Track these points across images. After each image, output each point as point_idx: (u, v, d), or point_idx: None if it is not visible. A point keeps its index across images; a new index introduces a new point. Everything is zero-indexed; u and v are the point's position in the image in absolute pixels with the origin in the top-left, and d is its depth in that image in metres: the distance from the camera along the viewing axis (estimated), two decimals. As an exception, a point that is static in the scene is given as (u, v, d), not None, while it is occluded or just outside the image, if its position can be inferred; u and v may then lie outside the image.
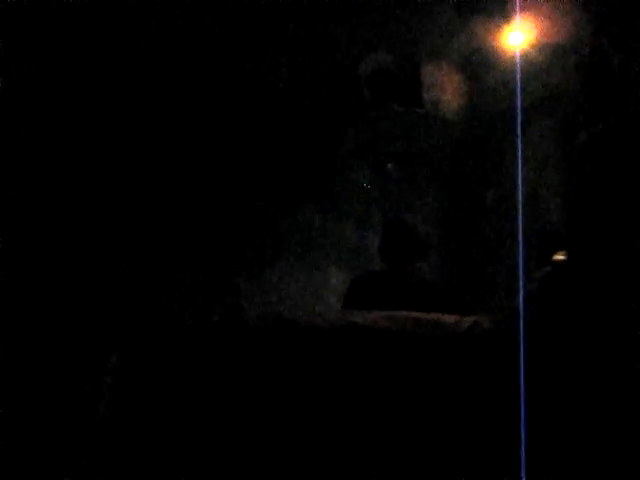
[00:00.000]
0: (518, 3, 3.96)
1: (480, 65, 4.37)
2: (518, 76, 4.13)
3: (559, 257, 2.26)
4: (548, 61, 4.00)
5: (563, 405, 1.77)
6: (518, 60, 4.08)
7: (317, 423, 1.77)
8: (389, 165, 4.65)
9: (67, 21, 3.61)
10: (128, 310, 3.10)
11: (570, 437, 1.74)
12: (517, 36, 4.01)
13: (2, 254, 3.08)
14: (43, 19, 3.56)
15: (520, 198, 4.00)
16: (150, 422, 1.85)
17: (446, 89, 4.35)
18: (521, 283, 2.19)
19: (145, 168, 3.98)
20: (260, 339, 1.87)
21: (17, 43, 3.46)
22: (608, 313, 1.90)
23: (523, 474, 1.71)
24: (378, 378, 1.85)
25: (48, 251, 3.31)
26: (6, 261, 3.11)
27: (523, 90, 4.19)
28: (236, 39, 4.05)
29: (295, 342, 1.86)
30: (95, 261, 3.39)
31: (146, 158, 3.97)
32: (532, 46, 3.97)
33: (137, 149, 3.92)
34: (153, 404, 1.87)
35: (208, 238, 4.11)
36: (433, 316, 1.98)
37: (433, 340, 1.92)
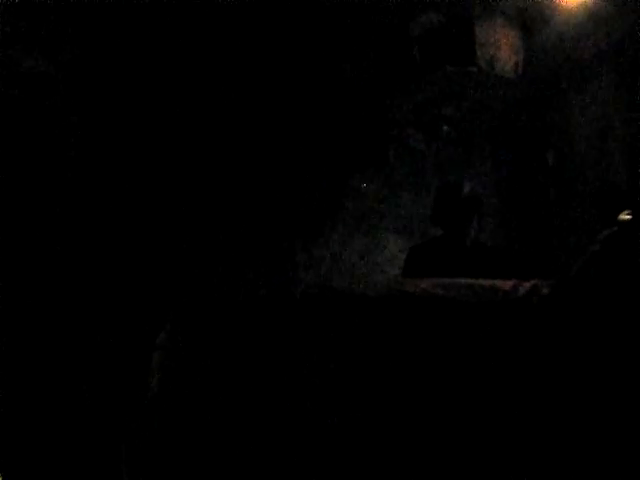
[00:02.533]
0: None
1: (536, 19, 4.18)
2: (577, 28, 3.94)
3: (624, 217, 2.13)
4: (610, 11, 3.79)
5: (622, 378, 1.67)
6: (576, 11, 3.89)
7: (367, 395, 1.71)
8: (444, 128, 4.53)
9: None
10: (178, 286, 3.10)
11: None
12: (575, -14, 3.82)
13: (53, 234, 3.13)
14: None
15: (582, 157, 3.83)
16: (200, 398, 1.83)
17: (501, 46, 4.18)
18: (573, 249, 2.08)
19: (201, 148, 3.96)
20: (307, 312, 1.82)
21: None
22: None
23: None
24: (431, 347, 1.78)
25: (104, 230, 3.34)
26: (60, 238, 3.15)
27: (583, 43, 4.00)
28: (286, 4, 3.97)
29: (344, 314, 1.81)
30: (148, 238, 3.40)
31: (201, 140, 3.95)
32: (591, -4, 3.78)
33: (189, 135, 3.91)
34: (203, 380, 1.85)
35: (263, 211, 4.07)
36: (488, 282, 1.89)
37: (488, 306, 1.84)
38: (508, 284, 1.86)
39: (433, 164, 4.56)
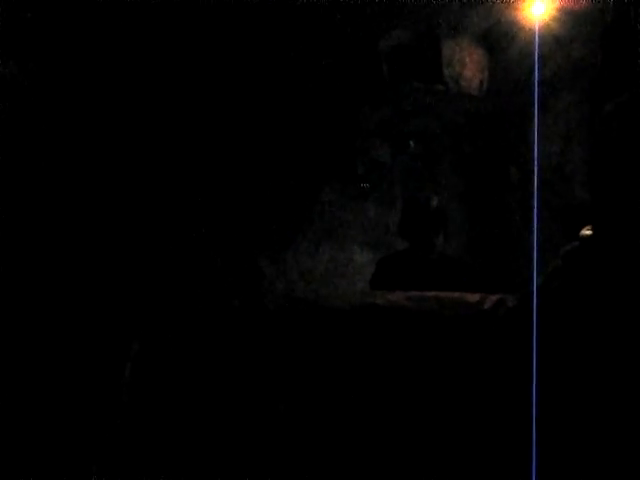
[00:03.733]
0: (538, -27, 3.88)
1: (500, 38, 4.29)
2: (538, 49, 4.05)
3: (586, 232, 2.21)
4: (570, 32, 3.91)
5: (587, 385, 1.74)
6: (539, 32, 4.00)
7: (336, 404, 1.76)
8: (410, 142, 4.61)
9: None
10: (149, 298, 3.10)
11: (593, 416, 1.71)
12: (538, 7, 3.93)
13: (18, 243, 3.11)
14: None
15: (537, 172, 3.94)
16: (171, 407, 1.86)
17: (466, 64, 4.29)
18: (535, 264, 2.15)
19: (166, 152, 3.98)
20: (280, 323, 1.86)
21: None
22: (636, 288, 1.85)
23: (533, 450, 1.70)
24: (400, 358, 1.84)
25: (67, 239, 3.33)
26: (23, 248, 3.13)
27: (546, 62, 4.12)
28: (254, 19, 4.01)
29: (315, 325, 1.85)
30: (116, 250, 3.40)
31: (165, 142, 3.96)
32: (553, 17, 3.89)
33: (154, 136, 3.91)
34: (174, 389, 1.87)
35: (230, 223, 4.10)
36: (456, 295, 1.96)
37: (456, 319, 1.90)
38: (475, 297, 1.93)
39: (399, 177, 4.64)
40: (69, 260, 3.16)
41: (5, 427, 2.45)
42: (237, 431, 1.76)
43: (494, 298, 2.00)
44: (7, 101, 3.40)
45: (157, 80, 3.89)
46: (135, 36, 3.76)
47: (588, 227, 2.19)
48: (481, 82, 4.35)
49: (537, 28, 3.91)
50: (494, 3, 4.10)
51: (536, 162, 3.50)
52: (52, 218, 3.37)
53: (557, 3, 3.95)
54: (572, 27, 3.88)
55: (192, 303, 2.00)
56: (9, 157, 3.32)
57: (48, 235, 3.28)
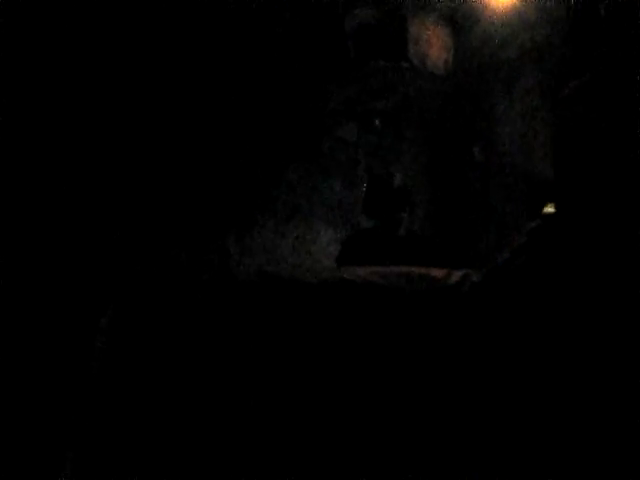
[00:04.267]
0: (504, -47, 3.90)
1: (467, 18, 4.32)
2: (504, 29, 4.09)
3: (548, 210, 2.26)
4: (535, 12, 3.96)
5: (551, 362, 1.79)
6: (504, 12, 4.04)
7: (307, 380, 1.78)
8: (376, 121, 4.62)
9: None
10: (118, 271, 3.10)
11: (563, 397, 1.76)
12: (504, -13, 3.96)
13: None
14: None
15: (501, 151, 3.99)
16: (143, 382, 1.86)
17: (432, 43, 4.31)
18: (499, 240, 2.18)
19: (135, 132, 3.94)
20: (250, 296, 1.87)
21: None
22: (599, 264, 1.90)
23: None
24: (368, 334, 1.86)
25: (42, 212, 3.31)
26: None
27: (510, 43, 4.16)
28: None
29: (285, 298, 1.87)
30: (86, 221, 3.38)
31: (134, 125, 3.93)
32: (519, -3, 3.93)
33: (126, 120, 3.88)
34: (145, 364, 1.87)
35: (195, 200, 4.08)
36: (422, 270, 1.98)
37: (423, 294, 1.93)
38: (441, 272, 1.95)
39: (364, 155, 4.66)
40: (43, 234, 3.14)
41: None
42: (211, 407, 1.77)
43: (459, 273, 2.03)
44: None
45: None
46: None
47: (551, 204, 2.23)
48: (446, 61, 4.37)
49: (503, 9, 3.95)
50: (460, -18, 4.13)
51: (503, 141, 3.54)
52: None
53: (522, -17, 3.99)
54: (536, 8, 3.93)
55: (161, 276, 2.00)
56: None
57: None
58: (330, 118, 4.56)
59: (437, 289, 1.92)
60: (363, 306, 1.77)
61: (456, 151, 4.67)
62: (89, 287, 2.77)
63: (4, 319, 2.66)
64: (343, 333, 1.74)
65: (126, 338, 1.86)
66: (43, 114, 3.55)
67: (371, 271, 1.97)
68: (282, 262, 4.26)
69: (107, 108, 3.78)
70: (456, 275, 2.01)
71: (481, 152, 4.60)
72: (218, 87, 4.19)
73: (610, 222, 1.86)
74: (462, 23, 4.35)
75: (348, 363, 1.72)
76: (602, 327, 1.78)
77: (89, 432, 1.86)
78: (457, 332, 1.88)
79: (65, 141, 3.60)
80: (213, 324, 1.78)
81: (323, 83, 4.46)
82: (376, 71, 4.26)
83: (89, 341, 1.87)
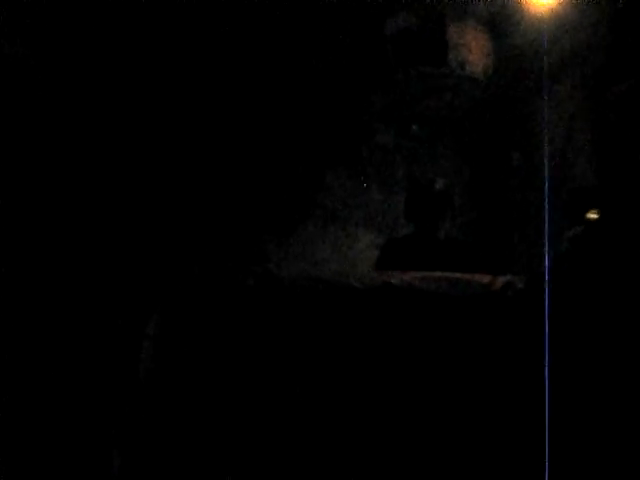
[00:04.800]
0: (545, -42, 3.88)
1: (506, 23, 4.30)
2: (544, 33, 4.07)
3: (592, 215, 2.25)
4: (577, 16, 3.92)
5: (597, 367, 1.78)
6: (545, 16, 4.01)
7: (354, 379, 1.80)
8: (414, 127, 4.62)
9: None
10: (164, 277, 3.14)
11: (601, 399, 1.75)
12: (544, -9, 3.94)
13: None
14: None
15: (547, 156, 3.97)
16: (189, 384, 1.90)
17: (472, 48, 4.30)
18: (544, 246, 2.19)
19: (171, 141, 3.99)
20: (296, 301, 1.89)
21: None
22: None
23: (546, 431, 1.73)
24: (414, 337, 1.88)
25: (87, 222, 3.36)
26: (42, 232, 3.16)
27: (551, 47, 4.13)
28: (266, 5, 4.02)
29: (331, 302, 1.89)
30: (134, 231, 3.43)
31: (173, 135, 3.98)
32: (560, 1, 3.90)
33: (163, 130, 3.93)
34: (192, 367, 1.91)
35: (237, 207, 4.12)
36: (467, 276, 2.00)
37: (467, 300, 1.94)
38: (485, 278, 1.97)
39: (403, 161, 4.66)
40: (86, 246, 3.19)
41: (17, 413, 2.49)
42: (256, 406, 1.80)
43: (503, 279, 2.04)
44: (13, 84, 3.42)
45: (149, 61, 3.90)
46: (134, 36, 3.77)
47: (594, 211, 2.22)
48: (486, 66, 4.36)
49: (543, 13, 3.92)
50: (500, -13, 4.11)
51: (545, 146, 3.52)
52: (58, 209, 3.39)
53: (563, -13, 3.95)
54: (578, 11, 3.89)
55: (208, 282, 2.03)
56: (11, 148, 3.34)
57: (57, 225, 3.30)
58: (369, 124, 4.57)
59: (482, 295, 1.93)
60: (410, 310, 1.79)
61: (495, 156, 4.65)
62: (137, 293, 2.81)
63: (57, 326, 2.72)
64: (391, 336, 1.76)
65: (173, 343, 1.90)
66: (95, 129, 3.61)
67: (415, 276, 1.99)
68: (321, 266, 4.28)
69: (159, 123, 3.83)
70: (500, 281, 2.02)
71: (520, 157, 4.57)
72: (264, 95, 4.23)
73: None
74: (501, 28, 4.34)
75: (398, 365, 1.74)
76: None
77: (136, 433, 1.90)
78: (501, 337, 1.88)
79: (118, 155, 3.65)
80: (262, 328, 1.80)
81: (363, 89, 4.47)
82: (415, 76, 4.27)
83: (137, 346, 1.91)
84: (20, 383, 2.57)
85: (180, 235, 3.64)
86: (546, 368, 1.80)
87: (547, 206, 2.66)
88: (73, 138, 3.56)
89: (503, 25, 4.34)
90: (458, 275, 2.01)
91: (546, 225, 2.43)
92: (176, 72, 3.99)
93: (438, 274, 1.99)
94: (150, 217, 3.58)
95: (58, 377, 2.55)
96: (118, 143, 3.67)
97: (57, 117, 3.57)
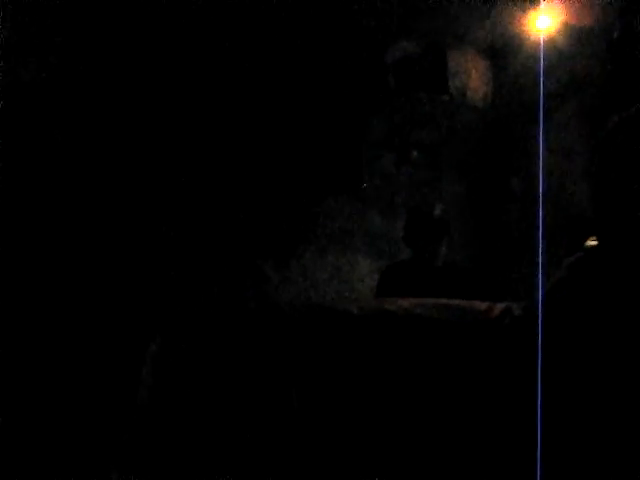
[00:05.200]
0: (543, -12, 3.94)
1: (506, 51, 4.36)
2: (542, 62, 4.11)
3: (590, 243, 2.25)
4: (575, 46, 3.98)
5: (592, 395, 1.79)
6: (543, 46, 4.06)
7: (350, 408, 1.80)
8: (414, 153, 4.66)
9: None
10: (164, 300, 3.15)
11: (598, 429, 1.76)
12: (543, 21, 3.99)
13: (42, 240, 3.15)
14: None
15: (541, 184, 4.00)
16: (190, 408, 1.90)
17: (472, 76, 4.35)
18: (540, 273, 2.20)
19: (172, 158, 4.02)
20: (297, 326, 1.90)
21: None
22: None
23: (538, 461, 1.74)
24: (412, 365, 1.88)
25: (87, 240, 3.38)
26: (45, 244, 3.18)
27: (549, 76, 4.18)
28: (263, 28, 4.07)
29: (330, 329, 1.90)
30: (133, 252, 3.45)
31: (165, 151, 4.01)
32: (558, 31, 3.95)
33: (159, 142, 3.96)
34: (193, 391, 1.92)
35: (237, 229, 4.14)
36: (465, 302, 2.00)
37: (465, 327, 1.94)
38: (483, 305, 1.97)
39: (403, 187, 4.69)
40: (84, 259, 3.20)
41: (18, 429, 2.49)
42: (257, 432, 1.80)
43: (501, 306, 2.04)
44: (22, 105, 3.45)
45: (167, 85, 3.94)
46: (136, 36, 3.80)
47: (592, 238, 2.23)
48: (485, 94, 4.41)
49: (542, 41, 3.98)
50: (500, 16, 4.16)
51: (540, 172, 3.55)
52: (63, 216, 3.41)
53: (561, 17, 4.01)
54: (575, 41, 3.95)
55: (207, 303, 2.04)
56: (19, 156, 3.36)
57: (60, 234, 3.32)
58: (369, 149, 4.61)
59: (479, 322, 1.93)
60: (407, 336, 1.80)
61: (494, 183, 4.69)
62: (137, 316, 2.83)
63: (58, 344, 2.73)
64: (388, 362, 1.77)
65: (174, 365, 1.90)
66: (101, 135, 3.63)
67: (412, 302, 1.99)
68: (320, 290, 4.29)
69: (164, 135, 3.86)
70: (498, 308, 2.02)
71: (519, 184, 4.61)
72: (264, 119, 4.26)
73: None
74: (501, 56, 4.39)
75: (394, 391, 1.75)
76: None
77: (136, 454, 1.90)
78: (499, 365, 1.89)
79: (118, 170, 3.68)
80: (260, 352, 1.81)
81: (363, 114, 4.52)
82: (416, 103, 4.32)
83: (137, 368, 1.91)
84: (20, 395, 2.58)
85: (180, 259, 3.66)
86: (539, 395, 1.80)
87: (541, 233, 2.66)
88: (73, 151, 3.58)
89: (502, 53, 4.40)
90: (456, 301, 2.02)
91: (539, 253, 2.43)
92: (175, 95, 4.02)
93: (436, 300, 2.00)
94: (153, 239, 3.60)
95: (58, 392, 2.56)
96: (117, 164, 3.70)
97: (58, 119, 3.58)
